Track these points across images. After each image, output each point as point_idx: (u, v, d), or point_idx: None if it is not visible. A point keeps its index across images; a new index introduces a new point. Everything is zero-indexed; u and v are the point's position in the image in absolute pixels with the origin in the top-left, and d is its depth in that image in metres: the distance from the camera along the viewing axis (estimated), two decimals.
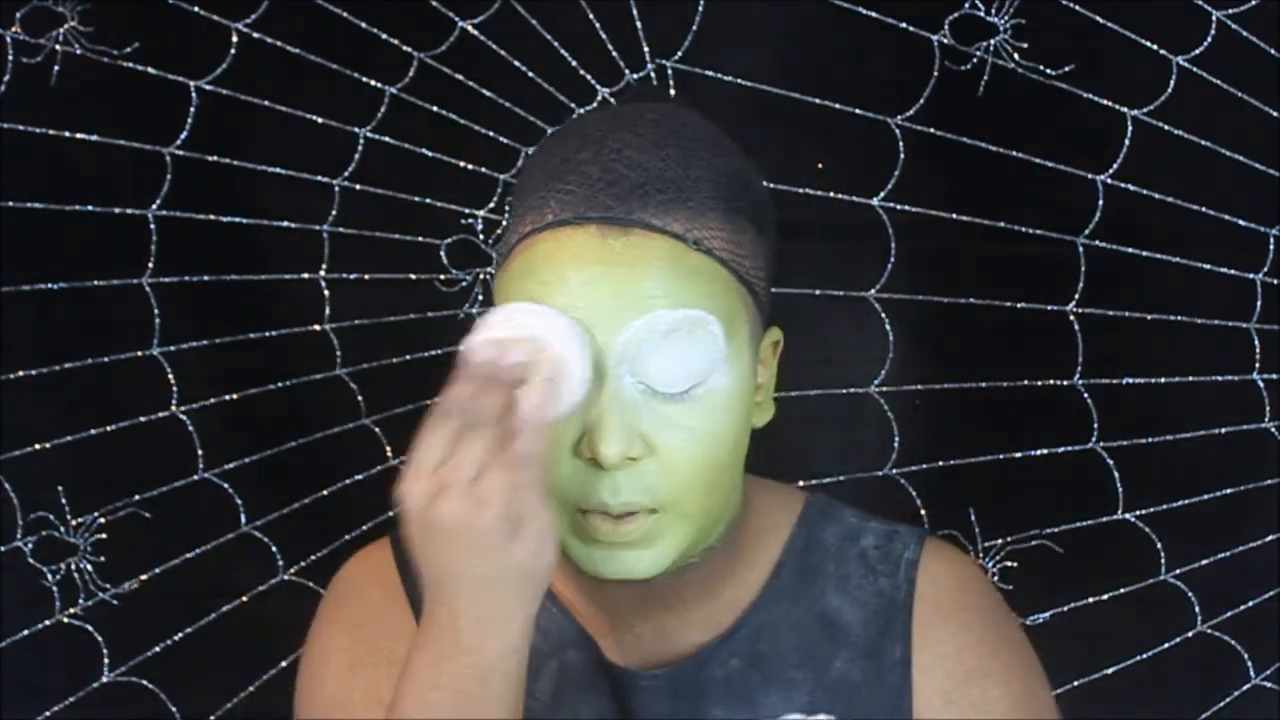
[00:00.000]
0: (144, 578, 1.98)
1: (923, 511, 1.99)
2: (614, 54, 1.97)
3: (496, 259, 2.03)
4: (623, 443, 1.14)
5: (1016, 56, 1.95)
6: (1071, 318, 1.99)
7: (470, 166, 2.01)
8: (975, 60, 1.95)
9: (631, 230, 1.15)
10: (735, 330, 1.17)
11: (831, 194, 1.99)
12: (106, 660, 1.97)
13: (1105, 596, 2.01)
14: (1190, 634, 1.99)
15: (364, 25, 1.97)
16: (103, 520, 1.98)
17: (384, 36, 1.98)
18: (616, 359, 1.14)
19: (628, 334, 1.14)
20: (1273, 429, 1.99)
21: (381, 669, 1.26)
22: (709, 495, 1.18)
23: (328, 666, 1.28)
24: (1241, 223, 1.98)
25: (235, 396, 2.01)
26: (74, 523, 1.97)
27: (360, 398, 2.02)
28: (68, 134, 1.94)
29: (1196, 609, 1.99)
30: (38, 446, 1.96)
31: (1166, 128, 1.96)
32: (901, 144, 1.97)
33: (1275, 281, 1.98)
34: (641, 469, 1.16)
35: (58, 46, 1.93)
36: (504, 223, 2.00)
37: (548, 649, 1.26)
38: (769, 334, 1.23)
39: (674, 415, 1.15)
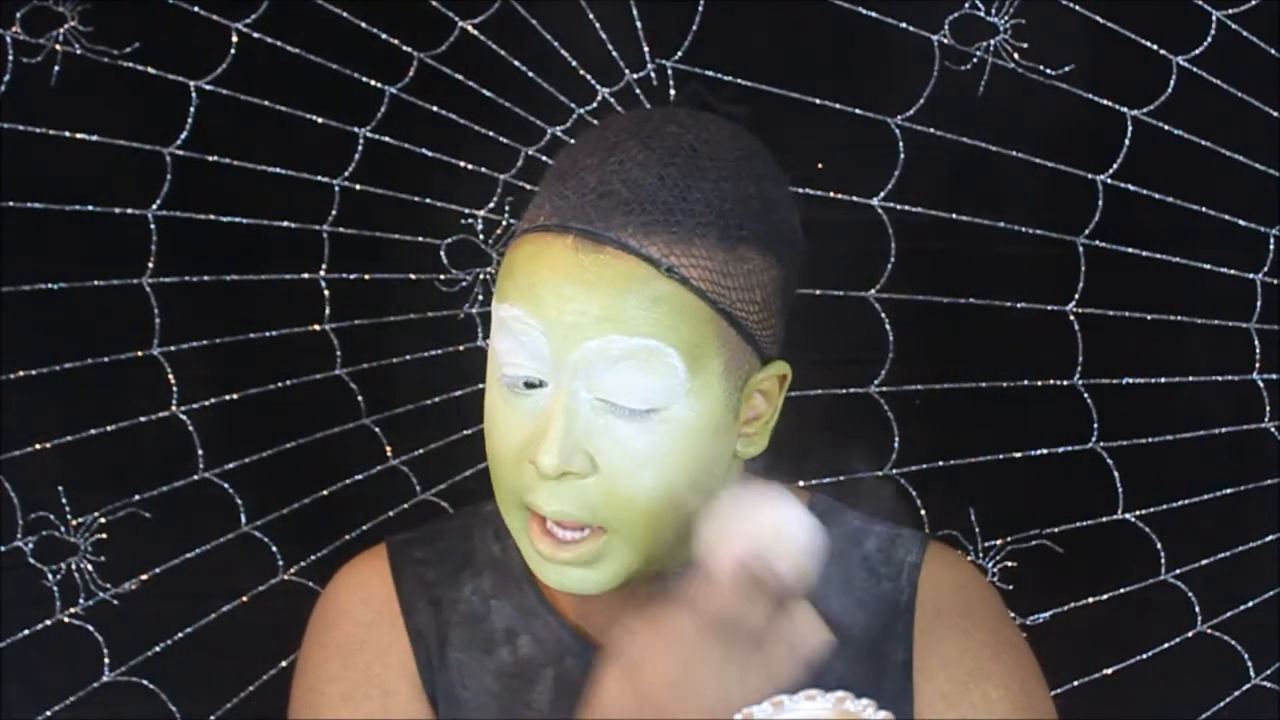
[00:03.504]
0: (144, 578, 1.98)
1: (923, 511, 1.99)
2: (614, 54, 1.97)
3: (497, 259, 2.03)
4: (562, 456, 1.14)
5: (1016, 56, 1.95)
6: (1071, 318, 1.99)
7: (470, 166, 2.01)
8: (975, 60, 1.95)
9: (605, 248, 1.14)
10: (702, 363, 1.15)
11: (831, 194, 1.98)
12: (106, 660, 1.97)
13: (1105, 596, 2.01)
14: (1190, 634, 1.99)
15: (364, 25, 1.97)
16: (103, 520, 1.97)
17: (384, 36, 1.98)
18: (571, 374, 1.14)
19: (581, 353, 1.13)
20: (1273, 429, 1.99)
21: (375, 700, 1.27)
22: (656, 524, 1.17)
23: (321, 696, 1.28)
24: (1241, 223, 1.98)
25: (235, 396, 2.01)
26: (74, 523, 1.97)
27: (360, 398, 2.02)
28: (68, 134, 1.94)
29: (1196, 609, 1.99)
30: (38, 446, 1.96)
31: (1166, 128, 1.96)
32: (901, 144, 1.97)
33: (1275, 281, 1.98)
34: (582, 485, 1.15)
35: (58, 46, 1.93)
36: (504, 222, 2.01)
37: (544, 659, 1.26)
38: (772, 367, 1.21)
39: (627, 437, 1.14)
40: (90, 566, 1.97)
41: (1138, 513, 1.99)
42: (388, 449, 2.01)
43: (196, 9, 1.94)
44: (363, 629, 1.29)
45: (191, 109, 1.96)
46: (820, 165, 1.99)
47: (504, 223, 2.01)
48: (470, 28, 1.97)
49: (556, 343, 1.13)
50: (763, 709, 1.04)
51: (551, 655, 1.26)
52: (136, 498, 1.98)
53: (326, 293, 2.01)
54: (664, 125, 1.18)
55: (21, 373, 1.95)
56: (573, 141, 1.24)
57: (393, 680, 1.27)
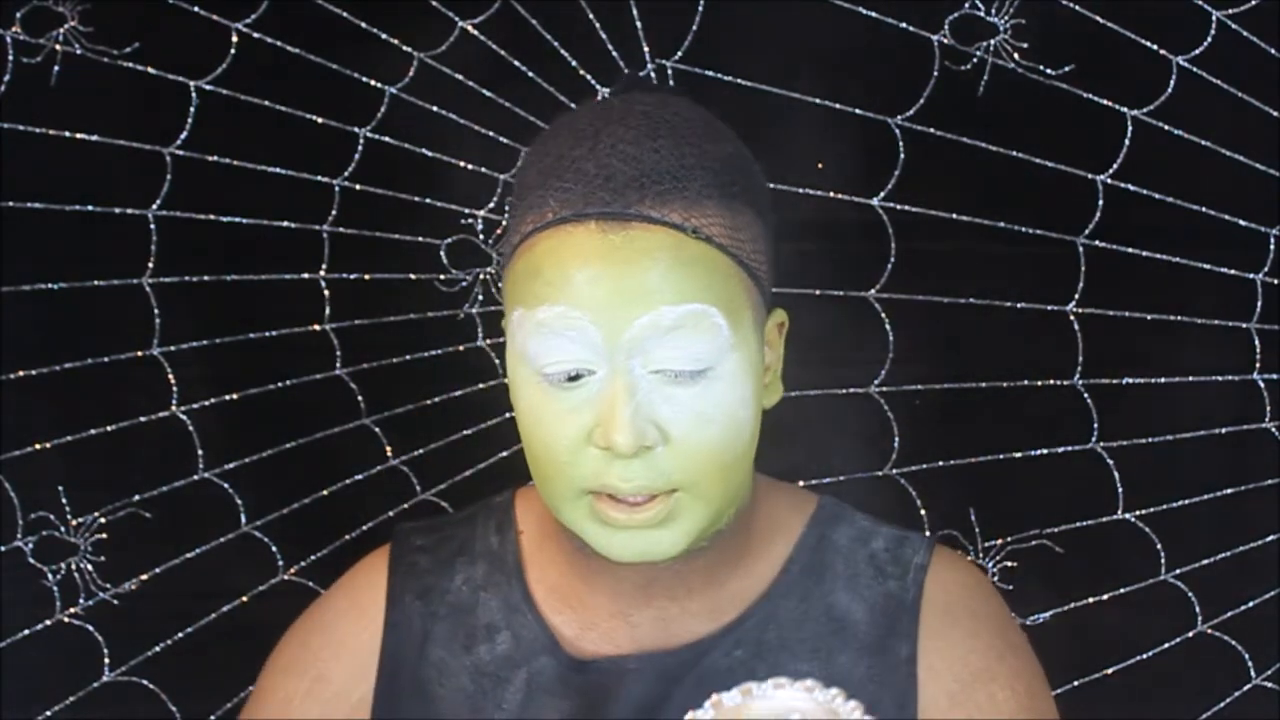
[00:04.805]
0: (144, 578, 1.98)
1: (923, 511, 1.99)
2: (614, 54, 1.97)
3: (497, 259, 2.03)
4: (635, 432, 1.16)
5: (1016, 56, 1.95)
6: (1071, 318, 1.99)
7: (470, 166, 2.01)
8: (975, 60, 1.95)
9: (631, 224, 1.16)
10: (739, 317, 1.18)
11: (831, 194, 1.99)
12: (106, 660, 1.97)
13: (1105, 596, 2.01)
14: (1190, 634, 1.99)
15: (364, 25, 1.97)
16: (103, 520, 1.97)
17: (384, 36, 1.98)
18: (626, 353, 1.15)
19: (634, 330, 1.15)
20: (1273, 429, 1.99)
21: (306, 680, 1.30)
22: (725, 477, 1.19)
23: (271, 665, 1.32)
24: (1241, 223, 1.98)
25: (235, 396, 2.01)
26: (74, 523, 1.97)
27: (360, 398, 2.02)
28: (68, 134, 1.94)
29: (1196, 609, 1.99)
30: (38, 446, 1.96)
31: (1166, 128, 1.96)
32: (901, 144, 1.97)
33: (1275, 281, 1.98)
34: (655, 456, 1.17)
35: (58, 46, 1.93)
36: (504, 222, 2.01)
37: (519, 657, 1.27)
38: (773, 315, 1.25)
39: (687, 400, 1.17)
40: (90, 566, 1.97)
41: (1138, 513, 1.99)
42: (388, 449, 2.01)
43: (196, 9, 1.94)
44: (333, 615, 1.32)
45: (191, 109, 1.96)
46: (820, 165, 1.99)
47: (504, 222, 2.01)
48: (470, 28, 1.97)
49: (607, 328, 1.15)
50: (731, 696, 1.04)
51: (526, 654, 1.27)
52: (136, 498, 1.98)
53: (326, 293, 2.01)
54: (631, 106, 1.21)
55: (21, 373, 1.95)
56: (534, 145, 1.24)
57: (332, 669, 1.29)
